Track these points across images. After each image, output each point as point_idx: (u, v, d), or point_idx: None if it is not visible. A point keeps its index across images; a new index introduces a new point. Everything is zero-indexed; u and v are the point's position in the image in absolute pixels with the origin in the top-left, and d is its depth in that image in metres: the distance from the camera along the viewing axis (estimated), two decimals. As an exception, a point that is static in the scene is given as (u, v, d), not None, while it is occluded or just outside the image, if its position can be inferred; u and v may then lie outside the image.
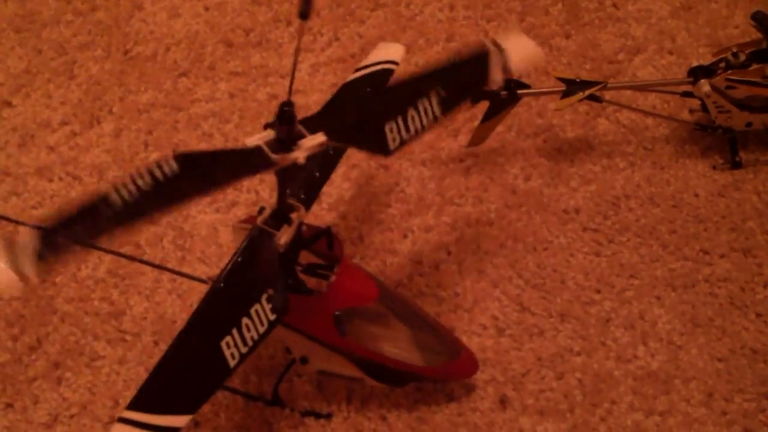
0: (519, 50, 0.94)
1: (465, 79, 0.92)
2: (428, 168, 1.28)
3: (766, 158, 1.26)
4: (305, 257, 0.99)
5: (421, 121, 0.87)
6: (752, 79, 1.19)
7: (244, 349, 0.83)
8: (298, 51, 0.80)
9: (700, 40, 1.38)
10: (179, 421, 0.82)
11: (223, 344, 0.82)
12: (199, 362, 0.82)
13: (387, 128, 0.86)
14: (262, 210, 0.91)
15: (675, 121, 1.29)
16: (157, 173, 0.76)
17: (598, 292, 1.16)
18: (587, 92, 1.20)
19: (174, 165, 0.77)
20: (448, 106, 0.89)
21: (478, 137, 1.27)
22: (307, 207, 0.96)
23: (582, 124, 1.31)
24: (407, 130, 0.87)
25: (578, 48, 1.38)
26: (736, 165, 1.25)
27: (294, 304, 0.89)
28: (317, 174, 1.01)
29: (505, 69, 0.93)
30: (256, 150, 0.81)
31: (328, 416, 1.06)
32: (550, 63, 1.37)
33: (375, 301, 0.99)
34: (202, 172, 0.79)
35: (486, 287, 1.17)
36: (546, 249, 1.20)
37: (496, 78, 0.93)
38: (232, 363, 0.83)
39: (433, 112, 0.88)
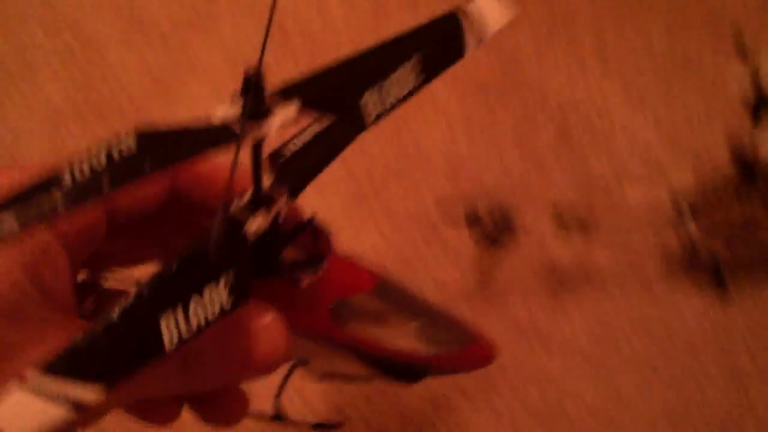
0: (488, 11, 0.93)
1: (440, 47, 0.90)
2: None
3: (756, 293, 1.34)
4: (293, 252, 0.90)
5: (397, 94, 0.85)
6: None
7: (186, 334, 0.67)
8: (273, 10, 0.69)
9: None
10: (90, 390, 0.62)
11: (162, 322, 0.67)
12: (131, 333, 0.66)
13: (362, 102, 0.83)
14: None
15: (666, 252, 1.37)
16: (114, 154, 0.72)
17: (598, 424, 1.22)
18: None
19: (132, 144, 0.73)
20: (425, 77, 0.87)
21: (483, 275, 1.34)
22: (292, 195, 0.81)
23: (578, 254, 1.39)
24: (383, 102, 0.84)
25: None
26: (724, 297, 1.32)
27: (285, 301, 0.81)
28: (309, 161, 0.85)
29: (479, 32, 0.91)
30: (222, 124, 0.74)
31: (339, 426, 1.04)
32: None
33: (372, 290, 0.94)
34: (162, 151, 0.74)
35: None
36: (548, 381, 1.26)
37: (471, 43, 0.90)
38: (168, 346, 0.66)
39: (410, 83, 0.86)
